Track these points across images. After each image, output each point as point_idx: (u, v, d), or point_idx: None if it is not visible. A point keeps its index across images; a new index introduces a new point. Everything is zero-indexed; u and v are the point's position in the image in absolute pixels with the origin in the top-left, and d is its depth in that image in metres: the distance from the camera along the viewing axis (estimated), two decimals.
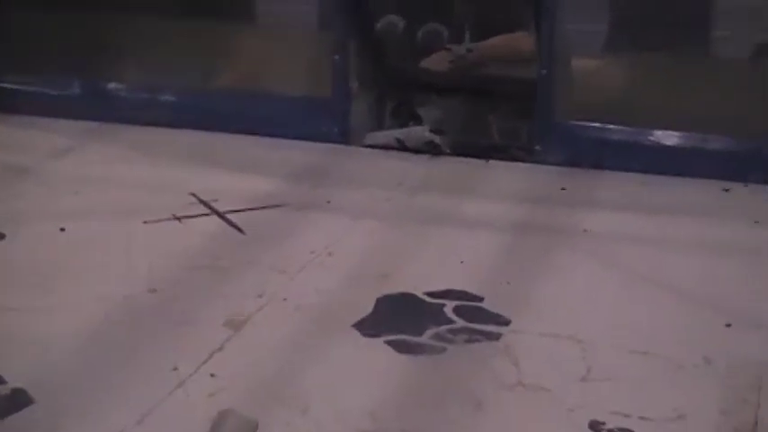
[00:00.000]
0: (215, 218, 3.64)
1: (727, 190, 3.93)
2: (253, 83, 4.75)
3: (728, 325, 3.00)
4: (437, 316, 3.03)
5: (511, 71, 4.43)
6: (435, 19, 4.52)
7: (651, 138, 4.13)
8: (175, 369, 2.74)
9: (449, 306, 3.08)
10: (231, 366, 2.77)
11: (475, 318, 3.02)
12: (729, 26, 4.79)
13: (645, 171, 4.04)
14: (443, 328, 2.97)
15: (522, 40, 4.35)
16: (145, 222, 3.59)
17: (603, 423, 2.53)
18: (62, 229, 3.56)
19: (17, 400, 2.62)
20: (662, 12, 4.58)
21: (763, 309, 3.10)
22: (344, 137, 4.35)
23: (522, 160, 4.19)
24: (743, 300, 3.16)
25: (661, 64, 4.42)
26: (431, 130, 4.28)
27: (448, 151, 4.25)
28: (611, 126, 4.18)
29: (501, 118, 4.32)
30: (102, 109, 4.57)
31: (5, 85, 4.69)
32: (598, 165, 4.10)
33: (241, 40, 4.97)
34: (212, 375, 2.73)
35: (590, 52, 4.59)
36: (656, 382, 2.74)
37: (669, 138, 4.12)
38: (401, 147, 4.29)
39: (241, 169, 4.07)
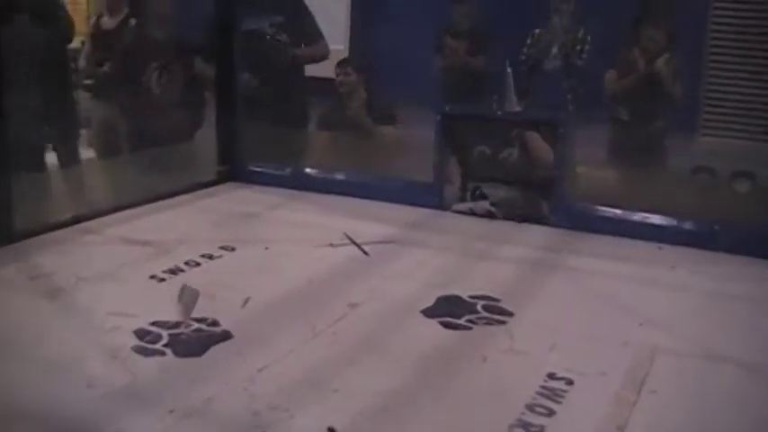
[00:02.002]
0: (353, 247, 3.79)
1: (660, 248, 3.94)
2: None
3: (641, 324, 3.10)
4: (471, 309, 3.16)
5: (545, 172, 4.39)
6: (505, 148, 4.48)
7: (618, 215, 4.15)
8: (314, 328, 2.93)
9: (480, 304, 3.19)
10: (353, 329, 2.95)
11: (494, 311, 3.15)
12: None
13: (614, 234, 4.05)
14: (474, 316, 3.10)
15: (546, 153, 4.35)
16: (315, 246, 3.76)
17: (555, 373, 2.66)
18: (267, 248, 3.74)
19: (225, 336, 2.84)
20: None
21: (668, 318, 3.17)
22: (440, 205, 4.42)
23: (543, 224, 4.22)
24: (655, 311, 3.21)
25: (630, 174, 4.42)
26: (491, 204, 4.35)
27: (500, 217, 4.31)
28: (597, 206, 4.23)
29: (534, 198, 4.31)
30: (300, 183, 4.71)
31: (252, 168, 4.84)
32: (590, 230, 4.11)
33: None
34: (333, 333, 2.92)
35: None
36: (591, 353, 2.84)
37: (629, 215, 4.12)
38: (472, 213, 4.36)
39: (375, 220, 4.16)
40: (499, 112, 4.34)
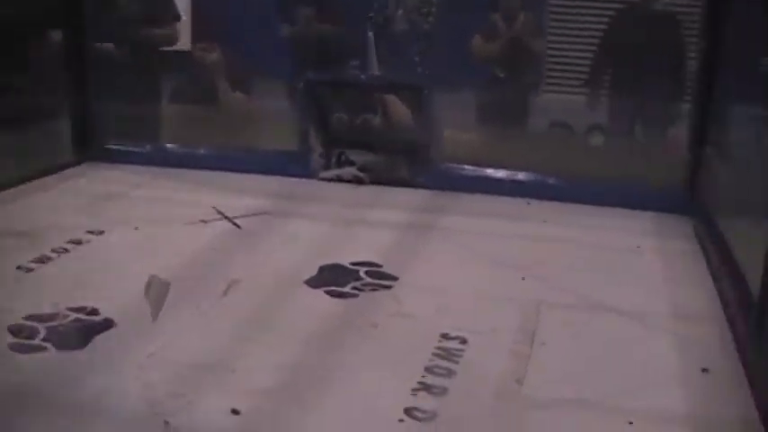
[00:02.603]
0: (225, 221, 3.68)
1: (529, 203, 4.03)
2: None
3: (523, 279, 3.15)
4: (355, 276, 3.12)
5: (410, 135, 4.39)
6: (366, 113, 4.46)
7: (486, 174, 4.21)
8: (198, 307, 2.82)
9: (362, 270, 3.16)
10: (239, 306, 2.87)
11: (377, 276, 3.12)
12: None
13: (482, 192, 4.11)
14: (359, 283, 3.07)
15: (406, 116, 4.35)
16: (185, 223, 3.62)
17: (448, 334, 2.66)
18: (137, 228, 3.56)
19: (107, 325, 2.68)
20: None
21: (547, 271, 3.22)
22: (307, 174, 4.37)
23: (413, 186, 4.24)
24: (533, 265, 3.26)
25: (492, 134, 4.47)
26: (357, 169, 4.33)
27: (368, 182, 4.30)
28: (464, 166, 4.26)
29: (401, 162, 4.32)
30: (162, 159, 4.54)
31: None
32: (459, 190, 4.15)
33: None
34: (220, 311, 2.83)
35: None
36: (480, 311, 2.86)
37: (497, 173, 4.19)
38: (340, 180, 4.34)
39: (243, 193, 4.05)
40: (363, 77, 4.31)
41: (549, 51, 7.01)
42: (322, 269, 3.17)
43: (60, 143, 4.56)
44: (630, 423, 2.21)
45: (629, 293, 3.04)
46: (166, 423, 2.11)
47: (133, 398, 2.25)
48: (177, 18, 5.49)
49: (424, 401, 2.27)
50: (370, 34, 4.28)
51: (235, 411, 2.18)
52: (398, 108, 4.42)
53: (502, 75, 5.57)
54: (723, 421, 2.26)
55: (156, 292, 2.89)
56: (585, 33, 6.55)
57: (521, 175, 4.14)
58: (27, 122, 4.54)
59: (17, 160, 4.45)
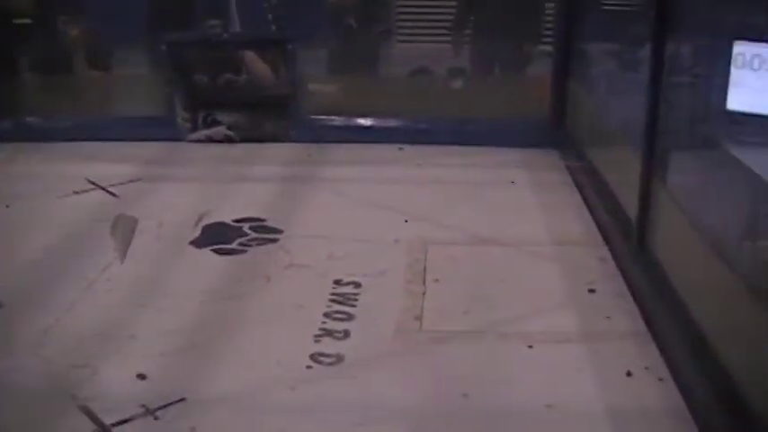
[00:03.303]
0: (99, 191, 3.58)
1: (401, 149, 4.07)
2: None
3: (406, 221, 3.19)
4: (239, 232, 3.10)
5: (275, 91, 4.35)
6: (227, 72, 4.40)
7: (355, 123, 4.22)
8: (86, 278, 2.74)
9: (246, 226, 3.15)
10: (127, 273, 2.79)
11: (262, 231, 3.12)
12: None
13: (353, 142, 4.11)
14: (244, 239, 3.05)
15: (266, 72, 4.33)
16: (59, 197, 3.49)
17: (341, 279, 2.69)
18: (7, 206, 3.41)
19: None
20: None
21: (428, 211, 3.27)
22: (175, 137, 4.27)
23: (284, 141, 4.20)
24: (414, 207, 3.30)
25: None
26: (227, 128, 4.27)
27: (238, 140, 4.25)
28: (333, 117, 4.25)
29: (270, 117, 4.28)
30: (24, 134, 4.32)
31: None
32: (331, 141, 4.14)
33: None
34: (108, 279, 2.76)
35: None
36: (369, 255, 2.89)
37: (366, 122, 4.20)
38: (210, 140, 4.26)
39: (115, 161, 3.92)
40: (225, 35, 4.24)
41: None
42: (205, 228, 3.13)
43: None
44: (530, 347, 2.29)
45: (510, 226, 3.12)
46: (73, 397, 2.06)
47: (34, 375, 2.18)
48: None
49: (328, 346, 2.29)
50: None
51: (141, 376, 2.14)
52: (258, 65, 4.38)
53: (355, 25, 5.55)
54: (615, 337, 2.36)
55: (123, 229, 2.81)
56: None
57: (390, 122, 4.16)
58: None
59: None
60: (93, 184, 3.62)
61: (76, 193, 3.55)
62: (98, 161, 3.93)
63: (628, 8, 3.75)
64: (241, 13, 4.39)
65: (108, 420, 1.96)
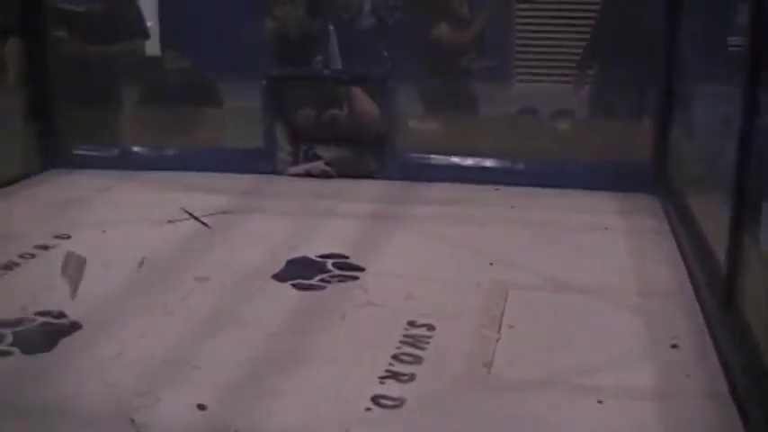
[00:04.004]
0: (193, 221, 3.65)
1: (497, 189, 4.02)
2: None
3: (491, 264, 3.14)
4: (322, 268, 3.11)
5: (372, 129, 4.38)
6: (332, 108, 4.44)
7: (452, 162, 4.20)
8: (165, 306, 2.80)
9: (329, 262, 3.15)
10: (206, 303, 2.84)
11: (344, 267, 3.11)
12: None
13: (449, 181, 4.09)
14: (326, 275, 3.06)
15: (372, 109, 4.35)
16: (153, 224, 3.59)
17: (415, 321, 2.65)
18: (104, 232, 3.54)
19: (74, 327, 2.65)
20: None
21: (515, 254, 3.22)
22: (273, 170, 4.34)
23: (380, 178, 4.23)
24: (501, 250, 3.26)
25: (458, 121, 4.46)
26: (325, 163, 4.31)
27: (336, 175, 4.28)
28: (430, 155, 4.24)
29: (368, 154, 4.30)
30: (129, 162, 4.51)
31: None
32: (425, 179, 4.14)
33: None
34: (186, 309, 2.81)
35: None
36: (447, 297, 2.85)
37: (463, 161, 4.18)
38: (308, 175, 4.31)
39: (211, 191, 4.02)
40: (326, 71, 4.30)
41: (519, 41, 7.02)
42: (289, 263, 3.15)
43: (26, 151, 4.51)
44: (600, 402, 2.20)
45: (598, 273, 3.04)
46: (132, 421, 2.09)
47: (98, 398, 2.22)
48: (146, 37, 5.38)
49: (392, 389, 2.25)
50: (331, 28, 4.27)
51: (201, 407, 2.16)
52: (364, 101, 4.41)
53: (471, 64, 5.56)
54: (693, 396, 2.25)
55: (73, 268, 2.87)
56: (555, 21, 6.54)
57: (488, 162, 4.13)
58: None
59: None
60: (188, 213, 3.71)
61: (170, 222, 3.64)
62: (196, 191, 4.03)
63: (731, 50, 3.63)
64: (343, 50, 4.45)
65: None
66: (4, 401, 2.23)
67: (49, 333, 2.61)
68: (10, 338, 2.57)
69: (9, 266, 3.15)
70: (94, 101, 4.76)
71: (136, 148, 4.57)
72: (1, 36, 4.55)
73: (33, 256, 3.26)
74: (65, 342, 2.56)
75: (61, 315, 2.71)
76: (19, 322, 2.66)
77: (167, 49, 5.99)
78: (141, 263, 3.10)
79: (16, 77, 4.65)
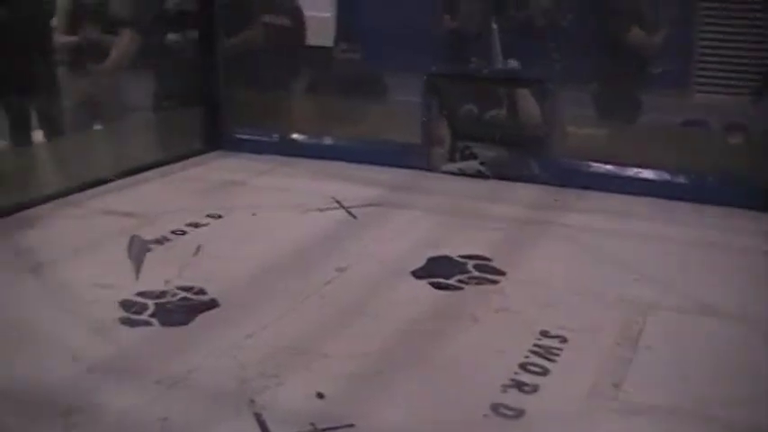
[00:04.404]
0: (341, 210, 3.71)
1: (652, 202, 3.85)
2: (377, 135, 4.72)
3: (636, 279, 3.04)
4: (462, 269, 3.08)
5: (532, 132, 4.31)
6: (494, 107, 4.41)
7: (608, 170, 4.08)
8: (303, 293, 2.86)
9: (470, 264, 3.12)
10: (342, 293, 2.88)
11: (484, 270, 3.07)
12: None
13: (603, 189, 3.98)
14: (465, 276, 3.03)
15: (535, 111, 4.27)
16: (302, 211, 3.67)
17: (548, 331, 2.59)
18: (254, 214, 3.65)
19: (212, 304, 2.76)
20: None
21: (661, 272, 3.10)
22: (428, 167, 4.34)
23: (534, 182, 4.15)
24: (648, 266, 3.14)
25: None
26: (480, 164, 4.28)
27: (490, 176, 4.24)
28: (587, 162, 4.14)
29: (525, 157, 4.23)
30: (288, 149, 4.62)
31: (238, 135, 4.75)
32: (581, 186, 4.03)
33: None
34: (322, 297, 2.87)
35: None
36: (585, 310, 2.77)
37: (619, 170, 4.06)
38: (462, 174, 4.29)
39: (364, 183, 4.08)
40: (487, 70, 4.27)
41: (702, 49, 6.73)
42: (429, 260, 3.14)
43: (193, 131, 4.70)
44: None
45: (748, 300, 2.88)
46: (252, 401, 2.14)
47: (224, 375, 2.29)
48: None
49: (514, 399, 2.21)
50: (495, 27, 4.23)
51: (320, 395, 2.19)
52: (527, 102, 4.35)
53: (659, 70, 5.40)
54: None
55: (138, 249, 2.95)
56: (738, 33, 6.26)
57: (646, 173, 3.99)
58: (162, 110, 4.70)
59: (150, 146, 4.62)
60: (338, 203, 3.77)
61: (321, 210, 3.71)
62: (348, 182, 4.09)
63: None
64: (504, 50, 4.40)
65: (274, 430, 2.03)
66: (138, 369, 2.34)
67: (188, 308, 2.71)
68: (151, 309, 2.69)
69: (161, 241, 3.28)
70: (262, 87, 4.90)
71: (295, 135, 4.66)
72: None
73: (184, 233, 3.39)
74: (202, 318, 2.66)
75: (201, 292, 2.81)
76: (161, 295, 2.78)
77: (340, 40, 6.11)
78: (198, 250, 3.15)
79: (116, 64, 4.91)
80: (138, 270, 2.89)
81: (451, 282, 2.99)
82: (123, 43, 5.35)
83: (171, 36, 5.24)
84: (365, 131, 4.70)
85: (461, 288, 2.95)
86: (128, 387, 2.25)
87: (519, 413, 2.16)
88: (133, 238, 3.04)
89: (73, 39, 5.52)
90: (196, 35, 4.66)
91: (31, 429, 2.08)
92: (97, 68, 5.34)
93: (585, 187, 4.02)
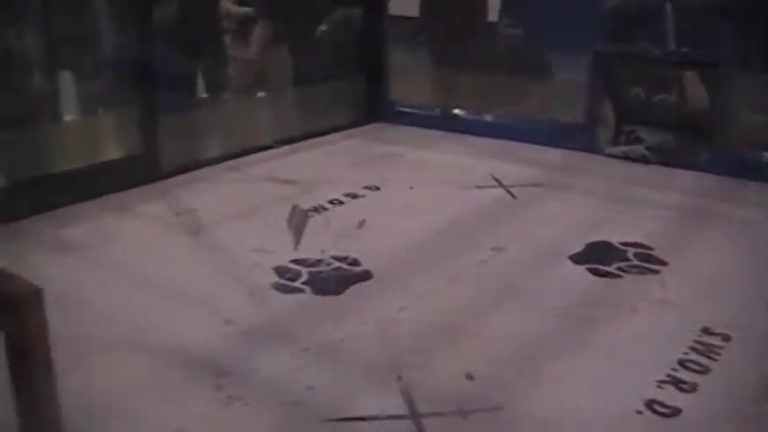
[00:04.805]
0: (500, 189, 3.65)
1: None
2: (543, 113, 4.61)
3: None
4: (622, 256, 2.97)
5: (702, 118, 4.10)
6: (662, 91, 4.26)
7: None
8: (457, 270, 2.83)
9: (631, 251, 3.00)
10: (497, 273, 2.83)
11: (645, 260, 2.95)
12: None
13: None
14: (624, 264, 2.92)
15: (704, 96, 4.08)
16: (460, 187, 3.63)
17: (710, 328, 2.46)
18: (411, 188, 3.64)
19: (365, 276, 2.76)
20: None
21: None
22: (591, 148, 4.21)
23: (702, 170, 3.94)
24: None
25: None
26: (646, 148, 4.13)
27: (655, 162, 4.08)
28: (760, 152, 3.90)
29: (693, 143, 4.05)
30: (448, 124, 4.58)
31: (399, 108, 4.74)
32: (752, 177, 3.79)
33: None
34: (476, 276, 2.81)
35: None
36: (752, 308, 2.60)
37: None
38: (626, 158, 4.14)
39: (524, 162, 4.00)
40: (658, 52, 4.09)
41: None
42: (589, 246, 3.04)
43: (355, 103, 4.72)
44: None
45: None
46: (399, 378, 2.12)
47: (373, 348, 2.28)
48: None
49: (670, 396, 2.11)
50: (668, 6, 4.04)
51: (469, 376, 2.15)
52: (697, 87, 4.15)
53: None
54: None
55: (298, 219, 2.93)
56: None
57: None
58: (327, 81, 4.75)
59: (314, 115, 4.66)
60: (497, 181, 3.70)
61: (479, 187, 3.66)
62: (508, 160, 4.02)
63: None
64: (678, 31, 4.19)
65: (421, 408, 2.00)
66: (288, 336, 2.36)
67: (341, 278, 2.72)
68: (305, 277, 2.71)
69: (318, 210, 3.31)
70: (424, 62, 4.88)
71: (456, 111, 4.61)
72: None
73: (342, 203, 3.40)
74: (354, 289, 2.66)
75: (355, 263, 2.82)
76: (316, 264, 2.80)
77: (503, 15, 5.99)
78: (361, 223, 3.12)
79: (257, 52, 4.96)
80: (297, 240, 2.91)
81: (610, 269, 2.88)
82: (259, 33, 5.41)
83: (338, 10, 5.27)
84: (528, 110, 4.59)
85: (620, 276, 2.84)
86: (277, 353, 2.27)
87: (675, 411, 2.05)
88: (294, 208, 3.07)
89: (240, 9, 5.62)
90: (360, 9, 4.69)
91: (183, 387, 2.12)
92: (242, 56, 5.41)
93: (758, 179, 3.78)
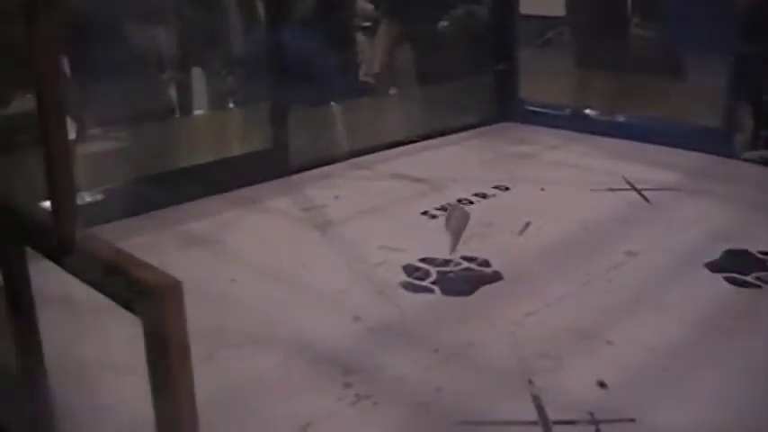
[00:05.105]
0: (633, 192, 3.55)
1: None
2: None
3: None
4: (762, 266, 2.83)
5: None
6: None
7: None
8: (588, 274, 2.75)
9: None
10: (630, 279, 2.73)
11: None
12: None
13: None
14: (763, 273, 2.78)
15: None
16: (592, 189, 3.56)
17: None
18: (542, 189, 3.59)
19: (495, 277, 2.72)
20: None
21: None
22: (728, 153, 4.04)
23: None
24: None
25: None
26: None
27: None
28: None
29: None
30: (579, 124, 4.49)
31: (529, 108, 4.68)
32: None
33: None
34: (609, 281, 2.73)
35: None
36: None
37: None
38: (764, 162, 3.94)
39: (657, 165, 3.87)
40: None
41: None
42: (726, 254, 2.92)
43: (485, 101, 4.68)
44: None
45: None
46: (530, 382, 2.08)
47: (502, 351, 2.24)
48: None
49: None
50: None
51: (601, 384, 2.09)
52: None
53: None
54: None
55: (456, 221, 2.87)
56: None
57: None
58: (456, 79, 4.73)
59: (443, 114, 4.64)
60: (629, 184, 3.60)
61: (611, 190, 3.56)
62: (641, 163, 3.90)
63: None
64: None
65: (552, 416, 1.95)
66: (417, 336, 2.34)
67: (471, 278, 2.69)
68: (434, 277, 2.68)
69: (446, 209, 3.28)
70: (553, 62, 4.81)
71: (588, 111, 4.52)
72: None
73: (471, 202, 3.37)
74: (484, 290, 2.62)
75: (485, 264, 2.78)
76: (445, 263, 2.77)
77: (634, 14, 5.85)
78: (525, 227, 3.06)
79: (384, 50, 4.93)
80: (455, 243, 2.88)
81: (749, 278, 2.75)
82: (385, 31, 5.40)
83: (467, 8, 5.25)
84: (661, 112, 4.46)
85: (759, 287, 2.70)
86: (405, 352, 2.25)
87: None
88: (454, 209, 3.04)
89: (370, 7, 5.66)
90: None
91: (312, 383, 2.13)
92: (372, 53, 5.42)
93: None
